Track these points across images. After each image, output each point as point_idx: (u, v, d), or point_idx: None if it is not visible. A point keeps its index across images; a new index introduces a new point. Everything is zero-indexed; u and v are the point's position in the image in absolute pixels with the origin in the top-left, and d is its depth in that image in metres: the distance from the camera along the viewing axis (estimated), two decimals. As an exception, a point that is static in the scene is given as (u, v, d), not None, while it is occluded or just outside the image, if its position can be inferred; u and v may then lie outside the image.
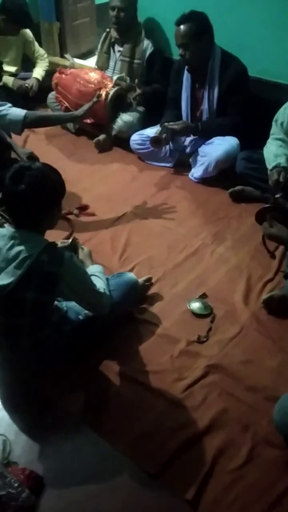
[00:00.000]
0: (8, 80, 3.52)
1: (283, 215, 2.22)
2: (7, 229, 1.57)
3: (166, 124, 2.93)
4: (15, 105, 3.58)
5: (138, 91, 3.27)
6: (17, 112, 2.37)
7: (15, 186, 1.47)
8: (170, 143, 3.12)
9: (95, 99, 2.56)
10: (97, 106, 3.20)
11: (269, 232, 2.14)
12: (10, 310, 1.59)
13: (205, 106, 2.97)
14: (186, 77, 2.97)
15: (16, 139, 3.02)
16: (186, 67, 2.91)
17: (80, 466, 1.59)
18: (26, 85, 3.53)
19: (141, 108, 3.42)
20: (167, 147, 3.18)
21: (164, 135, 2.90)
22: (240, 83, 2.88)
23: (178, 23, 2.75)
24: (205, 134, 3.00)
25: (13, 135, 2.94)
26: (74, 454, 1.63)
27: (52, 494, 1.51)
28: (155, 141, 2.94)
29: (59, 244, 1.91)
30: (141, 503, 1.51)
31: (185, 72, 2.95)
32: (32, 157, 2.78)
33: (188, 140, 3.10)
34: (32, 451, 1.63)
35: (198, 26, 2.73)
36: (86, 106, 2.52)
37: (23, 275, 1.49)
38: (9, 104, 2.42)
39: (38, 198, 1.49)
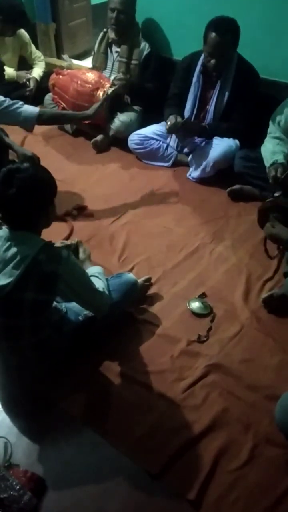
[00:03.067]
0: (9, 71, 3.52)
1: (284, 216, 2.21)
2: (3, 230, 1.57)
3: (187, 120, 2.90)
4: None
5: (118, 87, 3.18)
6: (31, 110, 2.42)
7: (5, 190, 1.46)
8: (176, 140, 3.12)
9: (105, 95, 2.54)
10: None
11: (270, 232, 2.14)
12: (9, 311, 1.58)
13: (211, 107, 2.95)
14: (197, 77, 2.93)
15: (13, 140, 3.01)
16: (201, 68, 2.87)
17: (82, 468, 1.59)
18: (27, 78, 3.54)
19: (137, 108, 3.41)
20: (166, 146, 3.18)
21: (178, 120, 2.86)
22: (251, 91, 2.87)
23: (216, 31, 2.64)
24: (210, 136, 2.99)
25: (10, 137, 2.94)
26: (75, 455, 1.63)
27: (53, 496, 1.51)
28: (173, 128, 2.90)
29: (58, 244, 1.91)
30: (143, 504, 1.51)
31: (197, 72, 2.91)
32: (32, 158, 2.77)
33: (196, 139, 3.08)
34: (33, 453, 1.63)
35: (235, 37, 2.71)
36: (96, 105, 2.54)
37: (21, 275, 1.49)
38: (21, 102, 2.46)
39: (30, 200, 1.49)
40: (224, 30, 2.65)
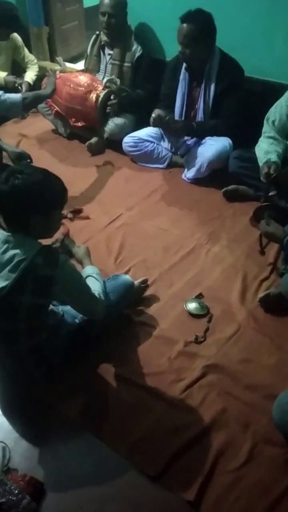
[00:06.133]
0: (0, 75, 3.53)
1: (279, 214, 2.22)
2: (1, 233, 1.57)
3: (170, 117, 2.92)
4: (6, 110, 3.57)
5: (114, 101, 3.25)
6: (14, 95, 2.57)
7: (0, 185, 1.49)
8: (166, 141, 3.13)
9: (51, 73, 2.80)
10: (88, 108, 3.22)
11: (266, 230, 2.15)
12: (6, 314, 1.58)
13: (200, 105, 2.96)
14: (183, 75, 2.96)
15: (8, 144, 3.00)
16: (185, 65, 2.91)
17: (80, 471, 1.59)
18: (18, 83, 3.53)
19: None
20: (160, 148, 3.18)
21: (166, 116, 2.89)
22: (236, 85, 2.87)
23: (183, 21, 2.71)
24: (199, 135, 3.00)
25: (4, 141, 2.94)
26: (74, 458, 1.62)
27: (52, 500, 1.51)
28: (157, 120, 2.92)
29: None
30: (143, 506, 1.50)
31: (183, 70, 2.94)
32: (22, 156, 2.75)
33: (186, 139, 3.09)
34: (31, 457, 1.62)
35: (202, 28, 2.72)
36: (50, 81, 2.76)
37: (17, 278, 1.49)
38: (1, 91, 2.56)
39: (17, 201, 1.49)
40: (190, 20, 2.69)
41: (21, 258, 1.50)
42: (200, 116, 2.99)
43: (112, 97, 3.26)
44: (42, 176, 1.53)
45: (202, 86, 2.91)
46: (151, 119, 2.91)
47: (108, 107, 3.27)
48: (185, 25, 2.71)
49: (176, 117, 3.04)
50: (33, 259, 1.51)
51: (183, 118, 3.04)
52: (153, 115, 2.89)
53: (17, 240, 1.53)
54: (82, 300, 1.68)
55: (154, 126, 2.98)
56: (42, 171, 1.56)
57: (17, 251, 1.51)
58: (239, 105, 2.91)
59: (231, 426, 1.70)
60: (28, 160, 2.71)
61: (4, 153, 2.88)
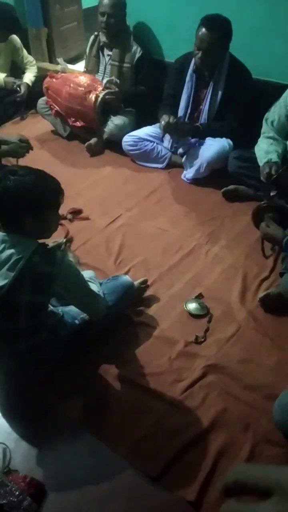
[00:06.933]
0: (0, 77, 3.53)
1: (279, 215, 2.22)
2: None
3: (178, 119, 2.91)
4: (5, 112, 3.59)
5: (116, 89, 3.24)
6: None
7: None
8: (170, 141, 3.14)
9: None
10: (87, 108, 3.23)
11: (266, 231, 2.15)
12: (5, 314, 1.58)
13: (205, 107, 2.96)
14: (190, 76, 2.95)
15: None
16: (193, 67, 2.90)
17: (81, 472, 1.59)
18: (17, 84, 3.53)
19: (131, 110, 3.41)
20: (160, 147, 3.18)
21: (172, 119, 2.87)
22: (244, 90, 2.88)
23: (206, 26, 2.68)
24: (204, 136, 3.00)
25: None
26: (74, 459, 1.62)
27: (53, 500, 1.51)
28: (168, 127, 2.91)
29: (51, 244, 1.90)
30: (144, 507, 1.50)
31: (190, 71, 2.93)
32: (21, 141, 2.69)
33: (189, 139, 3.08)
34: (32, 458, 1.62)
35: (225, 35, 2.72)
36: None
37: (16, 277, 1.49)
38: None
39: (9, 202, 1.50)
40: (214, 27, 2.68)
41: (18, 257, 1.51)
42: (204, 117, 2.99)
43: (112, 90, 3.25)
44: (35, 177, 1.54)
45: (210, 88, 2.91)
46: (161, 126, 2.91)
47: (107, 96, 3.22)
48: (209, 32, 2.68)
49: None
50: (30, 258, 1.51)
51: (186, 119, 3.03)
52: (162, 122, 2.89)
53: (13, 239, 1.54)
54: (82, 296, 1.69)
55: (165, 132, 2.99)
56: (37, 173, 1.56)
57: (14, 250, 1.52)
58: (245, 109, 2.91)
59: (231, 426, 1.70)
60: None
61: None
